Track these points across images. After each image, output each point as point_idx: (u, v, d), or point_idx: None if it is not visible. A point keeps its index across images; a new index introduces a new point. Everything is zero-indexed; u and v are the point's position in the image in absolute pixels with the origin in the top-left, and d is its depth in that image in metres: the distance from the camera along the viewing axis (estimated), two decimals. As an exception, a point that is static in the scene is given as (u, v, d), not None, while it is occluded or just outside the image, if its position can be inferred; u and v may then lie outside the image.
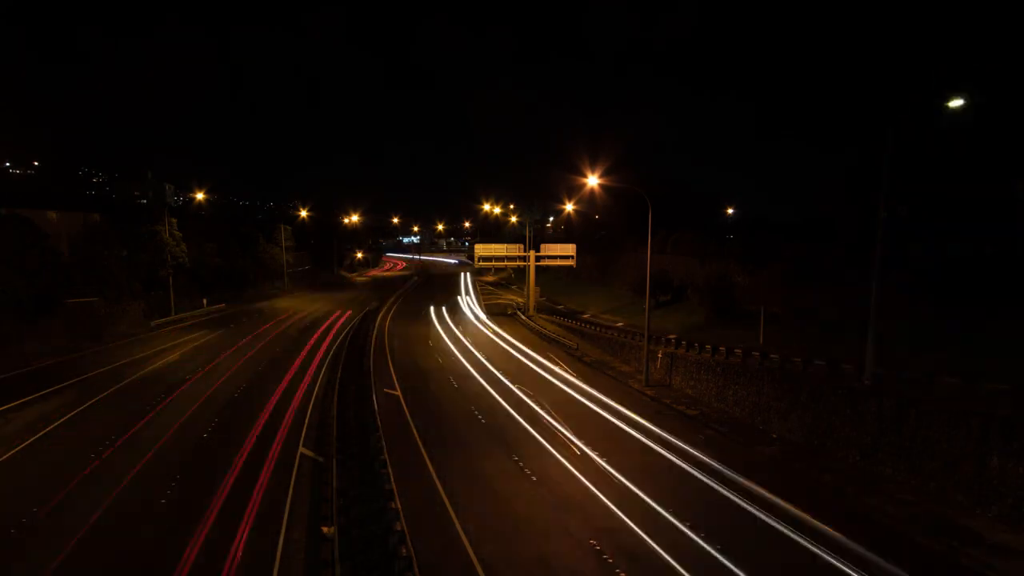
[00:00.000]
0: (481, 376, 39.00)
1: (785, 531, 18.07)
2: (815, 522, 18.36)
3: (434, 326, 62.63)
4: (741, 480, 21.76)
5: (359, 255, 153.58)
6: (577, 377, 39.12)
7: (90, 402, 31.56)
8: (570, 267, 75.46)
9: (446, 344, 51.64)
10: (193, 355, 44.43)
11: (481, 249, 73.73)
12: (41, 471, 22.65)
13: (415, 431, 27.59)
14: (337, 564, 15.37)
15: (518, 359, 45.33)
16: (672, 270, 63.68)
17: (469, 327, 62.20)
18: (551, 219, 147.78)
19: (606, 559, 16.38)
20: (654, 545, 17.08)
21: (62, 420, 28.51)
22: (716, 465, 23.28)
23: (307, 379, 37.21)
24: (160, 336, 52.70)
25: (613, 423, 29.19)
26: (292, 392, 34.06)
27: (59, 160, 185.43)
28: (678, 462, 23.96)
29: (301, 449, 24.60)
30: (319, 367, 40.66)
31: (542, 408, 31.20)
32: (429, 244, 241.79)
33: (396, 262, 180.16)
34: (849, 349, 27.65)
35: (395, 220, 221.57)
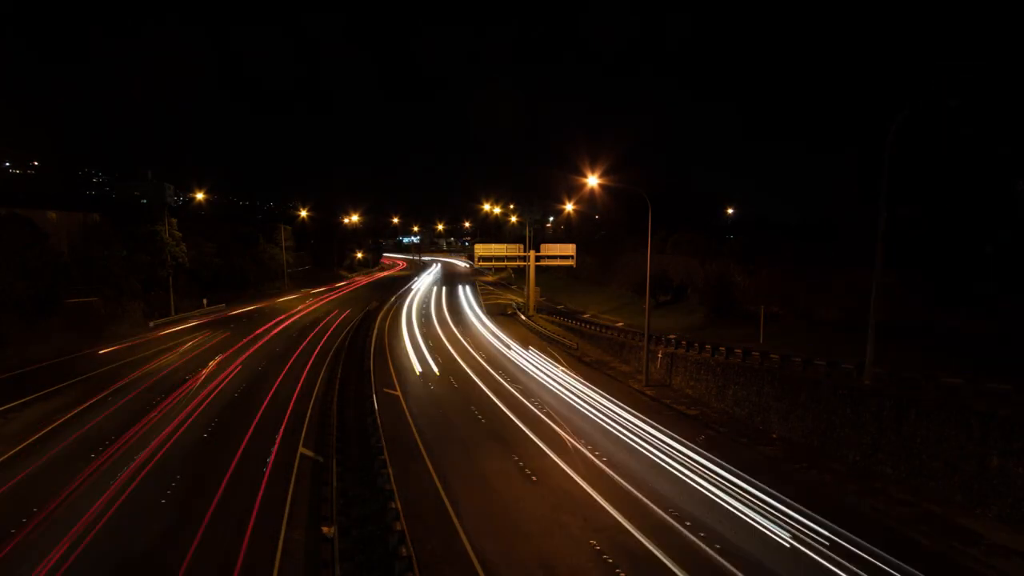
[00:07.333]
0: (481, 376, 38.99)
1: (785, 532, 18.08)
2: (816, 523, 18.39)
3: (434, 326, 62.62)
4: (741, 481, 21.78)
5: (359, 255, 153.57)
6: (577, 377, 39.12)
7: (90, 402, 31.56)
8: (570, 267, 75.48)
9: (446, 344, 51.64)
10: (193, 355, 44.42)
11: (481, 249, 73.76)
12: (41, 470, 22.65)
13: (415, 431, 27.59)
14: (337, 564, 15.37)
15: (518, 359, 45.32)
16: (672, 270, 63.72)
17: (469, 327, 62.20)
18: (551, 219, 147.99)
19: (606, 559, 16.38)
20: (654, 545, 17.09)
21: (62, 420, 28.51)
22: (716, 466, 23.30)
23: (307, 379, 37.19)
24: (160, 336, 52.68)
25: (613, 423, 29.18)
26: (292, 392, 34.06)
27: (59, 160, 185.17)
28: (678, 462, 23.97)
29: (301, 449, 24.59)
30: (319, 367, 40.65)
31: (542, 408, 31.21)
32: (429, 244, 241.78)
33: (396, 262, 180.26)
34: (849, 349, 27.66)
35: (395, 220, 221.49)
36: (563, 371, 41.00)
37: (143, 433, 26.79)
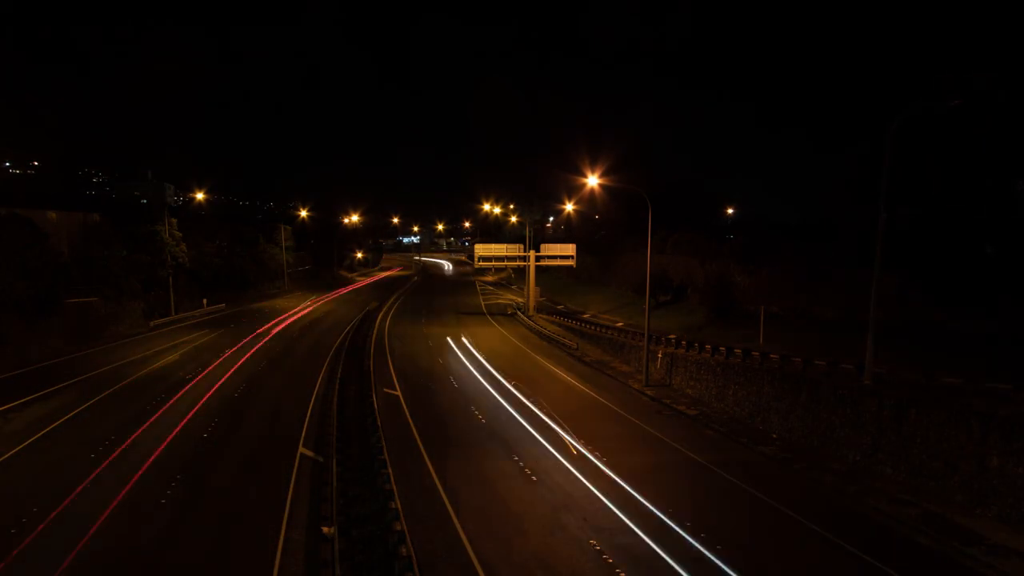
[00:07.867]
0: (481, 376, 38.98)
1: (785, 532, 18.08)
2: (815, 523, 18.38)
3: (434, 326, 62.60)
4: (741, 480, 21.78)
5: (359, 255, 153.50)
6: (577, 377, 39.12)
7: (90, 402, 31.54)
8: (570, 267, 75.47)
9: (446, 344, 51.64)
10: (193, 355, 44.42)
11: (481, 249, 73.74)
12: (41, 470, 22.64)
13: (415, 431, 27.59)
14: (337, 564, 15.37)
15: (518, 359, 45.31)
16: (672, 270, 63.67)
17: (469, 327, 62.17)
18: (551, 219, 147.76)
19: (606, 559, 16.37)
20: (654, 545, 17.07)
21: (62, 420, 28.50)
22: (715, 466, 23.30)
23: (307, 379, 37.18)
24: (160, 336, 52.68)
25: (613, 423, 29.19)
26: (291, 392, 34.05)
27: (59, 160, 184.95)
28: (677, 462, 23.97)
29: (301, 449, 24.58)
30: (318, 367, 40.64)
31: (542, 408, 31.19)
32: (429, 244, 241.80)
33: (396, 262, 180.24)
34: (849, 349, 27.67)
35: (395, 220, 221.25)
36: (562, 371, 40.99)
37: (143, 433, 26.77)
